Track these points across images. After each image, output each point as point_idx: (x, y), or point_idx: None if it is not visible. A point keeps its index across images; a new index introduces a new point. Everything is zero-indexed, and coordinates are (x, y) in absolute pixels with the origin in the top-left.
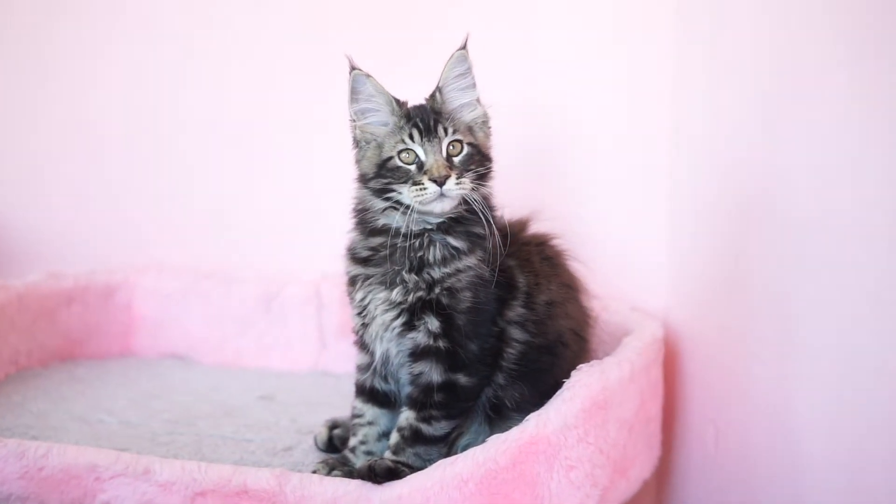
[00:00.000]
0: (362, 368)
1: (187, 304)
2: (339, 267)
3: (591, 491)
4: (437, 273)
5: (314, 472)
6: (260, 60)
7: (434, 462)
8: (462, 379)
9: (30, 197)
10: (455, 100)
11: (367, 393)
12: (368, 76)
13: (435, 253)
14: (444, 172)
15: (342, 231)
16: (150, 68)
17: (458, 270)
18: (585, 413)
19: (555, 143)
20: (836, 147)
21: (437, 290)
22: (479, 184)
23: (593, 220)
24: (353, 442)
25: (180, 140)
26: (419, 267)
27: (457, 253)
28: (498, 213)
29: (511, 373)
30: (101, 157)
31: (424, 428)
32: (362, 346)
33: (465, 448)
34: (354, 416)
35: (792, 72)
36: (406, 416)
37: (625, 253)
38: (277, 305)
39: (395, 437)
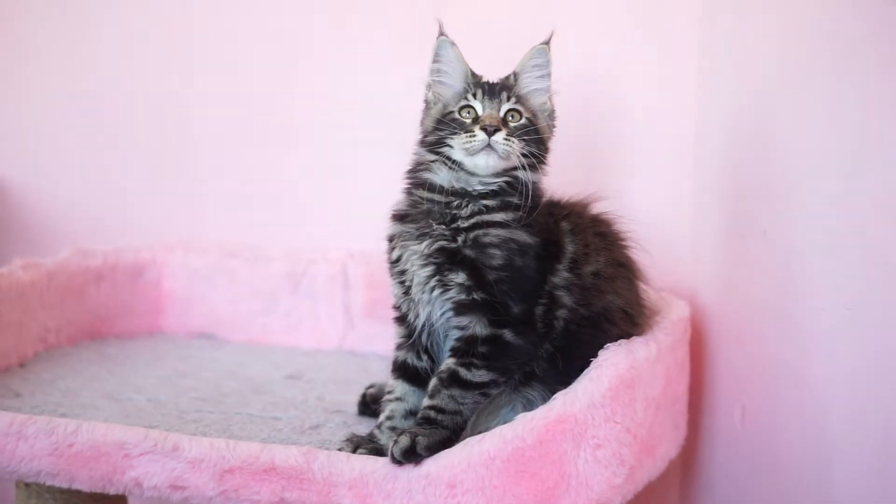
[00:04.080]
0: (398, 345)
1: (214, 283)
2: (366, 245)
3: (617, 469)
4: (462, 223)
5: (339, 450)
6: (284, 36)
7: (469, 409)
8: (508, 335)
9: (59, 175)
10: (528, 86)
11: (399, 369)
12: (453, 44)
13: (465, 210)
14: (495, 123)
15: (369, 210)
16: (175, 48)
17: (485, 223)
18: (612, 392)
19: (579, 121)
20: (864, 126)
21: (460, 240)
22: (529, 158)
23: (617, 198)
24: (380, 418)
25: (207, 118)
26: (450, 222)
27: (485, 209)
28: (543, 199)
29: (551, 341)
30: (129, 136)
31: (463, 371)
32: (401, 320)
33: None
34: (385, 392)
35: (820, 49)
36: (447, 362)
37: (650, 232)
38: (304, 284)
39: (433, 382)
